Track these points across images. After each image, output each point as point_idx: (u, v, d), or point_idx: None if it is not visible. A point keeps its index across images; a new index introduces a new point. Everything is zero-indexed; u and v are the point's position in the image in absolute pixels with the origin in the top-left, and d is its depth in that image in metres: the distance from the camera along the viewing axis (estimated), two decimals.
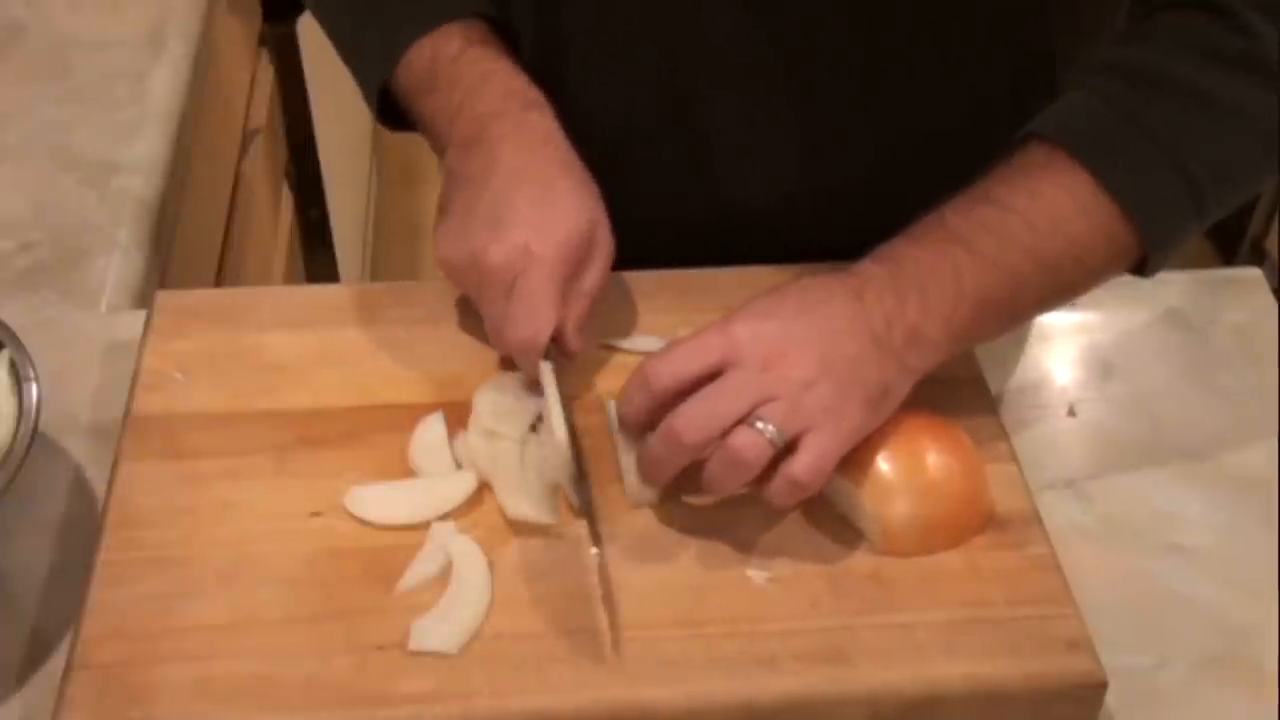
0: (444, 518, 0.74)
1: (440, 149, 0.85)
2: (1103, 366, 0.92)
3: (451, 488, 0.76)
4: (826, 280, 0.76)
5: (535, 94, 0.84)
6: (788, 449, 0.71)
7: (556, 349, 0.79)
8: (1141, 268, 0.79)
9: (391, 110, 0.89)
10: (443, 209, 0.82)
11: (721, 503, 0.75)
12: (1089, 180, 0.76)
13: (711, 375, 0.72)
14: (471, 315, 0.86)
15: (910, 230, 0.77)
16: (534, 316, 0.76)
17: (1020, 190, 0.76)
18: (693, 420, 0.71)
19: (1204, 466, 0.85)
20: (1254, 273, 0.98)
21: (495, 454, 0.76)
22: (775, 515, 0.75)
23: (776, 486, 0.71)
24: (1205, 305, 0.95)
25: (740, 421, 0.70)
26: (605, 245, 0.81)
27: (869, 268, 0.76)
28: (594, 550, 0.72)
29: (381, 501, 0.75)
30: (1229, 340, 0.93)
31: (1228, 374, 0.91)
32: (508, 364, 0.82)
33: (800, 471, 0.70)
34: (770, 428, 0.70)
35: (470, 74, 0.84)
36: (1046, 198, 0.76)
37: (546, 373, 0.77)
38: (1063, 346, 0.93)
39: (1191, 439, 0.86)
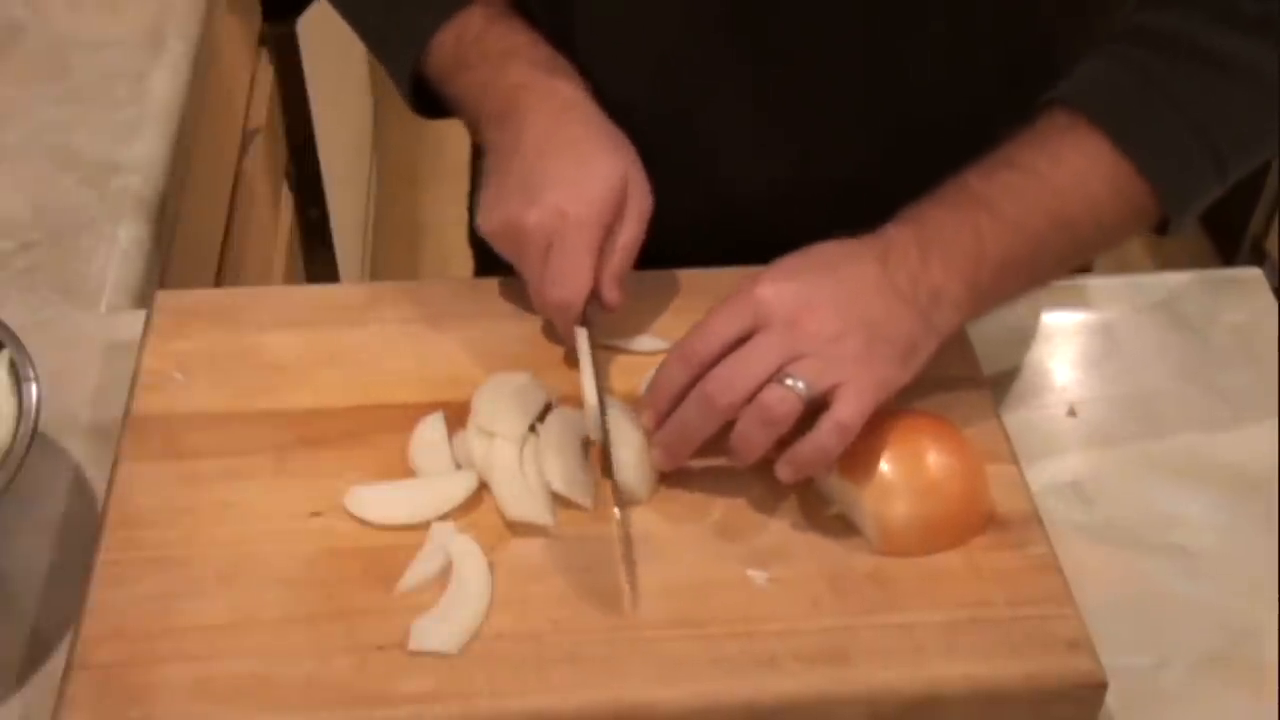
0: (444, 518, 0.74)
1: (474, 127, 0.87)
2: (1103, 366, 0.92)
3: (451, 488, 0.76)
4: (851, 243, 0.77)
5: (560, 62, 0.86)
6: (818, 408, 0.72)
7: (594, 306, 0.80)
8: (1164, 227, 0.80)
9: (425, 98, 0.91)
10: (484, 183, 0.84)
11: (721, 503, 0.75)
12: (1108, 145, 0.77)
13: (745, 340, 0.74)
14: (471, 315, 0.86)
15: (934, 194, 0.79)
16: (571, 277, 0.78)
17: (1042, 155, 0.78)
18: (725, 382, 0.72)
19: (1204, 467, 0.84)
20: (1254, 273, 0.98)
21: (493, 454, 0.76)
22: (775, 515, 0.75)
23: (822, 435, 0.72)
24: (1205, 305, 0.95)
25: (770, 380, 0.72)
26: (640, 198, 0.82)
27: (893, 231, 0.77)
28: (616, 511, 0.73)
29: (381, 501, 0.75)
30: (1229, 340, 0.93)
31: (1228, 374, 0.91)
32: (507, 364, 0.82)
33: (843, 415, 0.72)
34: (800, 384, 0.71)
35: (495, 50, 0.86)
36: (1067, 162, 0.78)
37: (582, 339, 0.79)
38: (1063, 346, 0.93)
39: (1191, 439, 0.86)
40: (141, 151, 1.11)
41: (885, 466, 0.74)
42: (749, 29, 0.86)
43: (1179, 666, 0.75)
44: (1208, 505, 0.82)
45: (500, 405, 0.79)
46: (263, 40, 1.70)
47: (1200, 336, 0.93)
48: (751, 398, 0.72)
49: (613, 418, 0.77)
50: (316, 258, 1.89)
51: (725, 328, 0.74)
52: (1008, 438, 0.80)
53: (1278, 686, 0.73)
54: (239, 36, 1.58)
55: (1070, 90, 0.80)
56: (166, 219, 1.09)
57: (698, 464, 0.76)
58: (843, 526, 0.75)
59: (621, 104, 0.88)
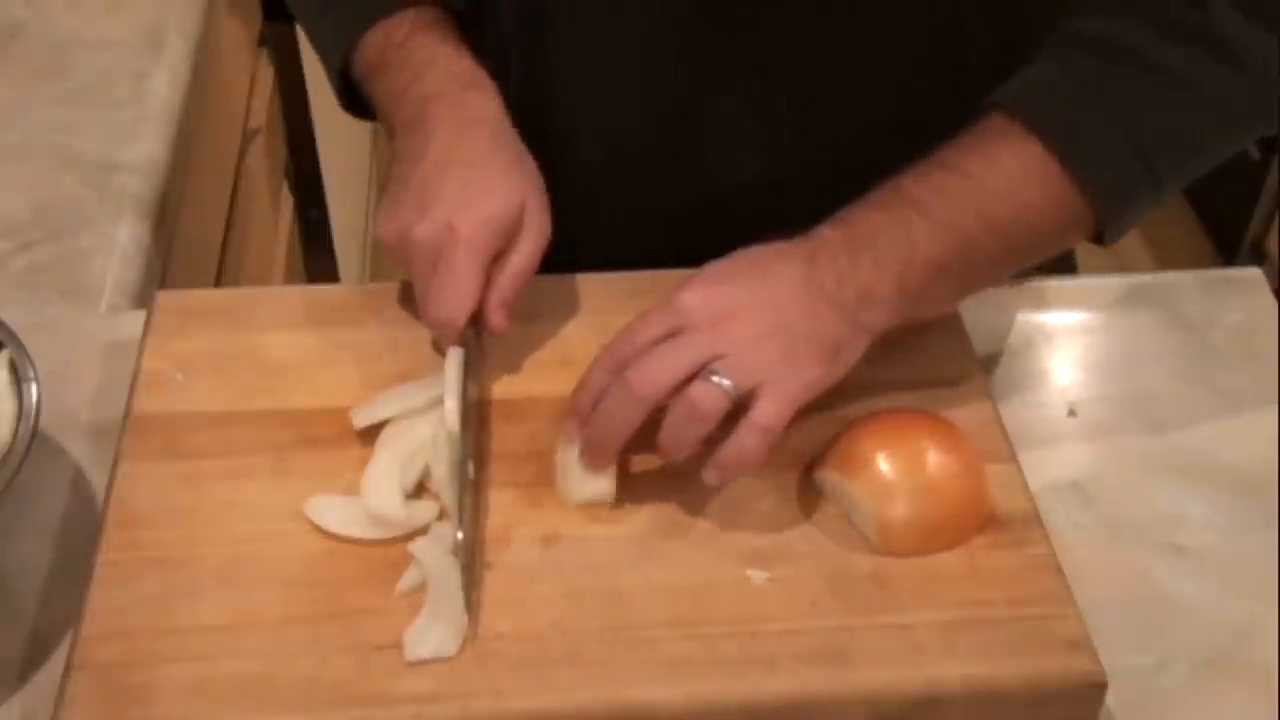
0: (419, 532, 0.74)
1: (388, 132, 0.87)
2: (1103, 366, 0.92)
3: (408, 514, 0.75)
4: (780, 245, 0.77)
5: (478, 75, 0.86)
6: (743, 409, 0.72)
7: (477, 330, 0.80)
8: (1101, 237, 0.80)
9: (357, 99, 0.91)
10: (386, 190, 0.83)
11: (721, 503, 0.75)
12: (1042, 150, 0.77)
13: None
14: None
15: (868, 196, 0.79)
16: (452, 295, 0.78)
17: (977, 157, 0.78)
18: (645, 373, 0.72)
19: (1204, 466, 0.84)
20: (1254, 273, 0.98)
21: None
22: (775, 515, 0.75)
23: (742, 437, 0.72)
24: (1205, 305, 0.95)
25: (694, 377, 0.72)
26: (536, 226, 0.81)
27: (823, 232, 0.78)
28: (459, 535, 0.72)
29: (341, 515, 0.74)
30: (1229, 340, 0.93)
31: (1228, 374, 0.91)
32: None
33: (763, 417, 0.72)
34: (726, 381, 0.72)
35: (417, 57, 0.86)
36: (1002, 165, 0.78)
37: (454, 357, 0.78)
38: (1063, 346, 0.93)
39: (1191, 439, 0.86)
40: (141, 151, 1.11)
41: (885, 466, 0.74)
42: (735, 23, 0.86)
43: (1179, 666, 0.75)
44: (1208, 505, 0.82)
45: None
46: (263, 40, 1.70)
47: (1200, 336, 0.93)
48: (674, 392, 0.72)
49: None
50: (316, 258, 1.89)
51: (649, 331, 0.74)
52: (1008, 438, 0.80)
53: (1278, 686, 0.73)
54: (239, 36, 1.59)
55: (1008, 94, 0.80)
56: (166, 219, 1.10)
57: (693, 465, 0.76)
58: (843, 526, 0.75)
59: (606, 99, 0.88)
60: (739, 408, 0.72)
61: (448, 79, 0.85)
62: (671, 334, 0.74)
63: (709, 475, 0.73)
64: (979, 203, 0.77)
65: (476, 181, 0.80)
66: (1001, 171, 0.77)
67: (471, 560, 0.72)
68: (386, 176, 0.84)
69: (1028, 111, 0.78)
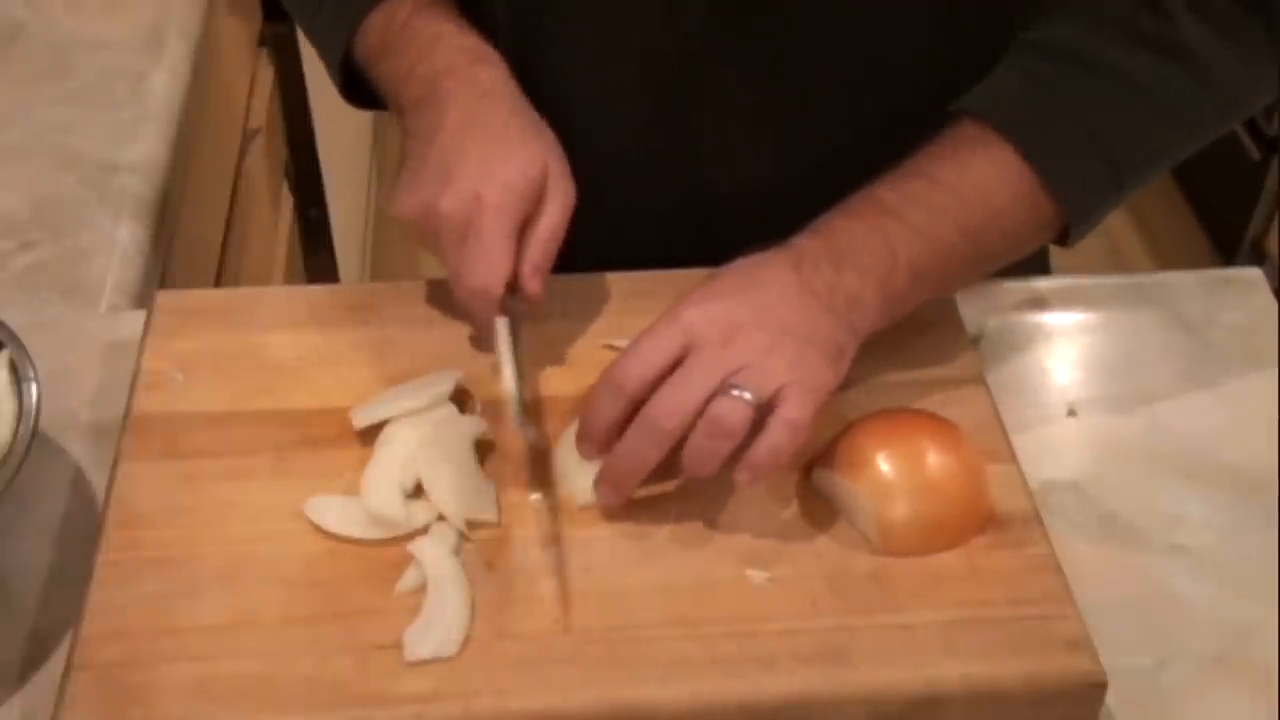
0: (419, 532, 0.74)
1: (398, 113, 0.87)
2: (1103, 366, 0.92)
3: (407, 514, 0.75)
4: (763, 257, 0.77)
5: (485, 50, 0.86)
6: (764, 416, 0.72)
7: (515, 297, 0.80)
8: (1064, 238, 0.82)
9: (358, 88, 0.91)
10: (402, 168, 0.83)
11: (721, 503, 0.75)
12: (1013, 155, 0.78)
13: (676, 365, 0.73)
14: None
15: (844, 204, 0.79)
16: (487, 263, 0.77)
17: (949, 164, 0.79)
18: (671, 405, 0.71)
19: (1204, 466, 0.84)
20: (1254, 273, 0.98)
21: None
22: (775, 515, 0.75)
23: (773, 434, 0.71)
24: (1205, 305, 0.95)
25: (713, 396, 0.71)
26: (561, 188, 0.81)
27: (804, 242, 0.78)
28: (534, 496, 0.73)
29: (341, 515, 0.74)
30: (1229, 340, 0.93)
31: (1228, 374, 0.91)
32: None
33: (791, 411, 0.71)
34: (746, 393, 0.71)
35: (421, 36, 0.86)
36: (974, 171, 0.79)
37: (502, 328, 0.78)
38: (1063, 346, 0.93)
39: (1191, 439, 0.86)
40: (141, 151, 1.11)
41: (885, 466, 0.74)
42: (733, 24, 0.86)
43: (1179, 666, 0.75)
44: (1208, 505, 0.82)
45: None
46: (263, 40, 1.70)
47: (1200, 336, 0.93)
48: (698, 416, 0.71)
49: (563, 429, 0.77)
50: (316, 258, 1.89)
51: (655, 354, 0.73)
52: (1008, 438, 0.80)
53: (1278, 686, 0.73)
54: (239, 36, 1.59)
55: (976, 101, 0.80)
56: (166, 219, 1.10)
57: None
58: (843, 526, 0.75)
59: (601, 99, 0.88)
60: (761, 415, 0.72)
61: (456, 53, 0.84)
62: (678, 355, 0.73)
63: (741, 476, 0.72)
64: (953, 209, 0.78)
65: (497, 150, 0.80)
66: (972, 178, 0.78)
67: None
68: (401, 156, 0.84)
69: (999, 117, 0.79)
